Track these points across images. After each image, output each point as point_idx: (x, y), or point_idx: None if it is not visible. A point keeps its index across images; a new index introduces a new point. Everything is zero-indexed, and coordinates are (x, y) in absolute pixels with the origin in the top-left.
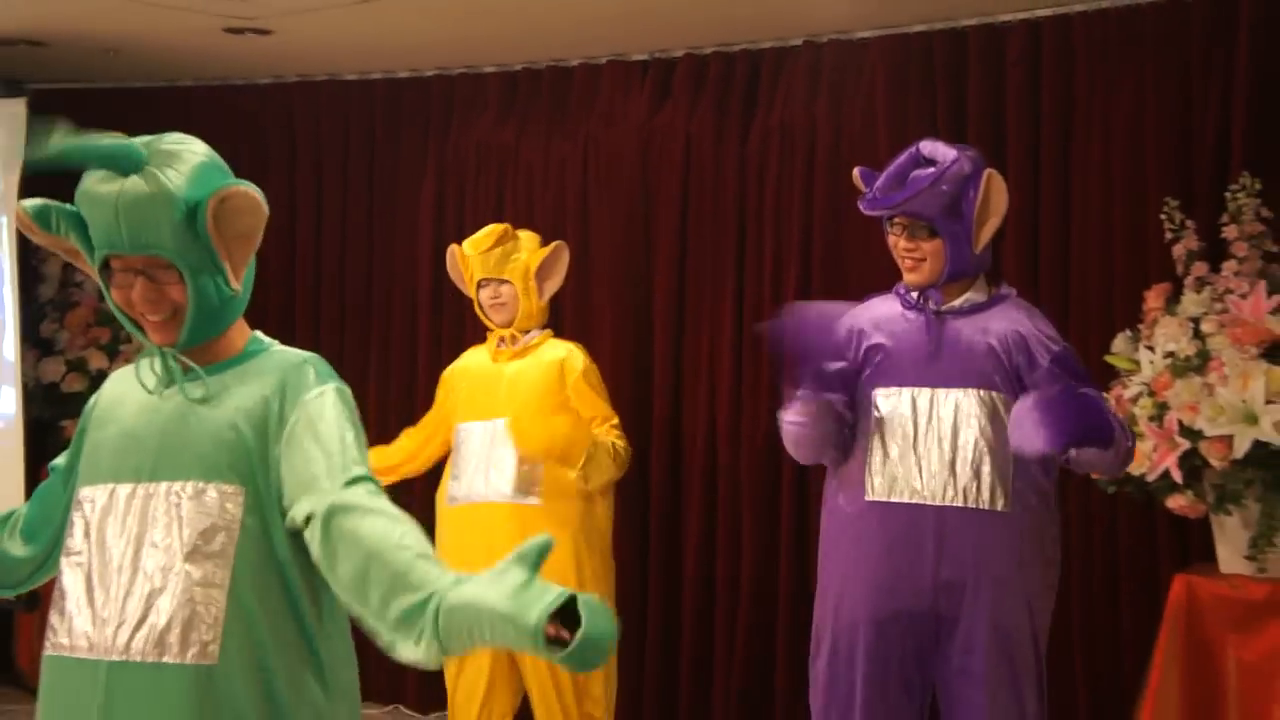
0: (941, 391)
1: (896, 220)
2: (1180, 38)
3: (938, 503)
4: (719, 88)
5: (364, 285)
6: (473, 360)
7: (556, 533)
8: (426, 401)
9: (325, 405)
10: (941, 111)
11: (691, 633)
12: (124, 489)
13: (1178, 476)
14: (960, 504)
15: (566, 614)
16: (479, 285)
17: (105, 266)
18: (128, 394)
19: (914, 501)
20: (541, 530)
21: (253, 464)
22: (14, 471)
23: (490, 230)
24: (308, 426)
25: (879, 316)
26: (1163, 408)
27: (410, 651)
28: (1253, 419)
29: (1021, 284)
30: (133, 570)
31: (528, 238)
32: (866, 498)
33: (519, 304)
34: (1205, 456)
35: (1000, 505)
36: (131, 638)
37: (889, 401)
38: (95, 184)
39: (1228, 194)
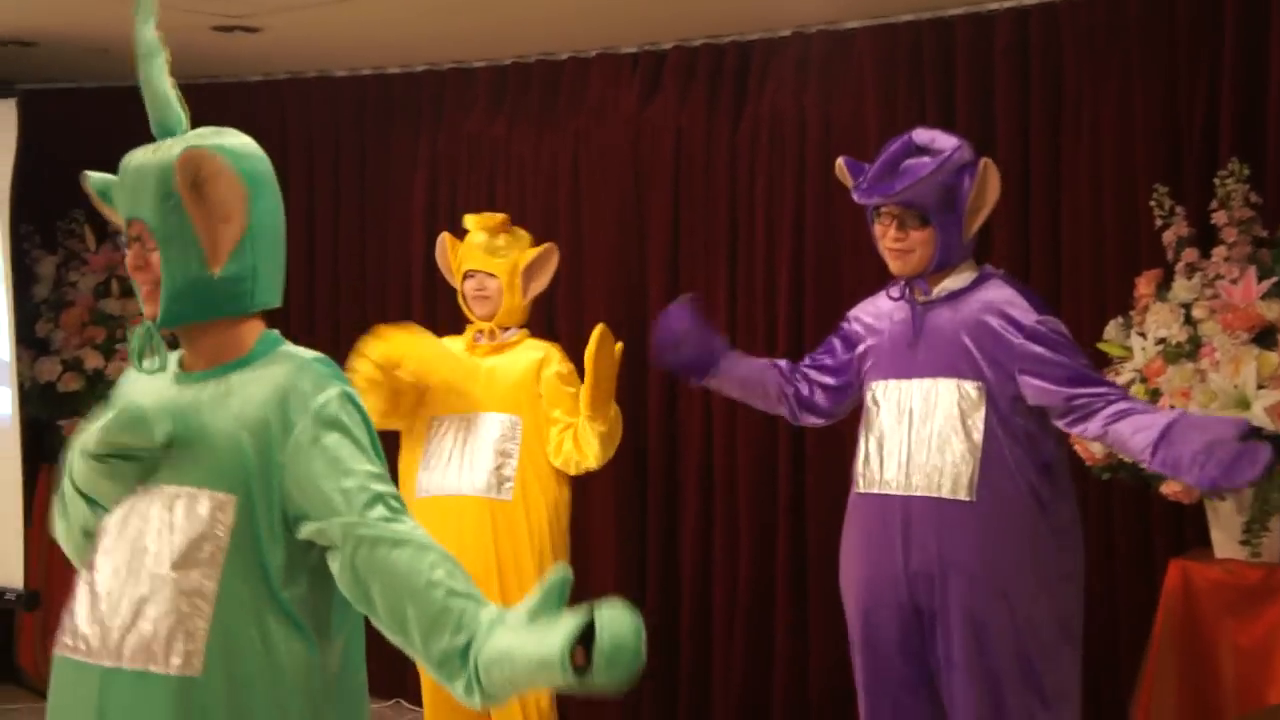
0: (916, 382)
1: (885, 210)
2: (1167, 24)
3: (904, 493)
4: (709, 79)
5: (358, 278)
6: (455, 348)
7: (526, 528)
8: None
9: (333, 413)
10: (930, 101)
11: (690, 623)
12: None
13: None
14: (924, 494)
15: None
16: (465, 276)
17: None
18: (140, 391)
19: (884, 493)
20: (512, 525)
21: (250, 473)
22: (12, 471)
23: (493, 215)
24: (315, 439)
25: (877, 311)
26: (1155, 394)
27: (459, 692)
28: (1245, 404)
29: (1013, 272)
30: (128, 574)
31: (522, 235)
32: (856, 490)
33: (502, 299)
34: None
35: (964, 495)
36: (122, 642)
37: (876, 395)
38: (130, 154)
39: (1216, 180)
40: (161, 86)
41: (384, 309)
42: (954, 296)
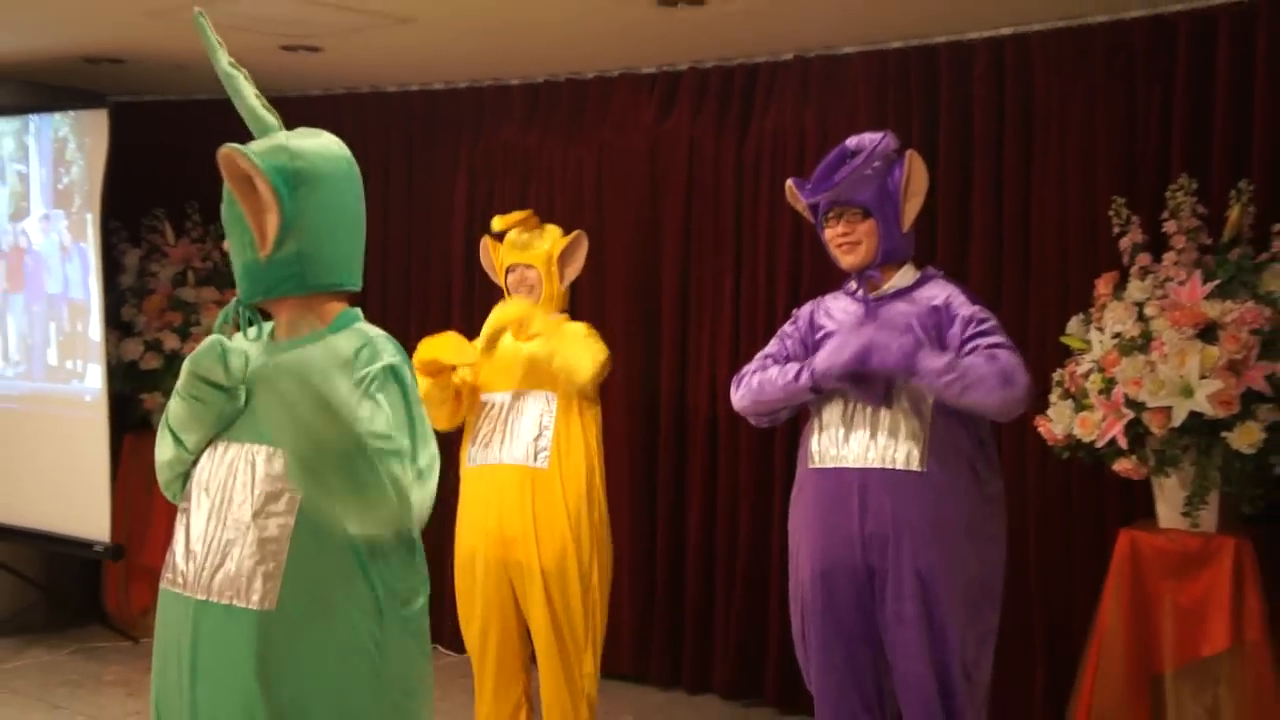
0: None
1: (831, 213)
2: (1126, 54)
3: (860, 465)
4: (719, 97)
5: (404, 273)
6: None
7: (561, 493)
8: None
9: (376, 383)
10: (915, 119)
11: (694, 580)
12: (221, 447)
13: (1123, 443)
14: (879, 465)
15: None
16: (508, 270)
17: None
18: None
19: (840, 466)
20: (549, 490)
21: (319, 424)
22: (100, 439)
23: (518, 213)
24: (373, 387)
25: (831, 306)
26: (1111, 382)
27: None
28: (1189, 392)
29: (986, 274)
30: (219, 520)
31: (551, 228)
32: (810, 465)
33: (542, 287)
34: (1148, 425)
35: (915, 465)
36: (213, 579)
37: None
38: None
39: (1168, 193)
40: (250, 103)
41: (427, 299)
42: (902, 293)
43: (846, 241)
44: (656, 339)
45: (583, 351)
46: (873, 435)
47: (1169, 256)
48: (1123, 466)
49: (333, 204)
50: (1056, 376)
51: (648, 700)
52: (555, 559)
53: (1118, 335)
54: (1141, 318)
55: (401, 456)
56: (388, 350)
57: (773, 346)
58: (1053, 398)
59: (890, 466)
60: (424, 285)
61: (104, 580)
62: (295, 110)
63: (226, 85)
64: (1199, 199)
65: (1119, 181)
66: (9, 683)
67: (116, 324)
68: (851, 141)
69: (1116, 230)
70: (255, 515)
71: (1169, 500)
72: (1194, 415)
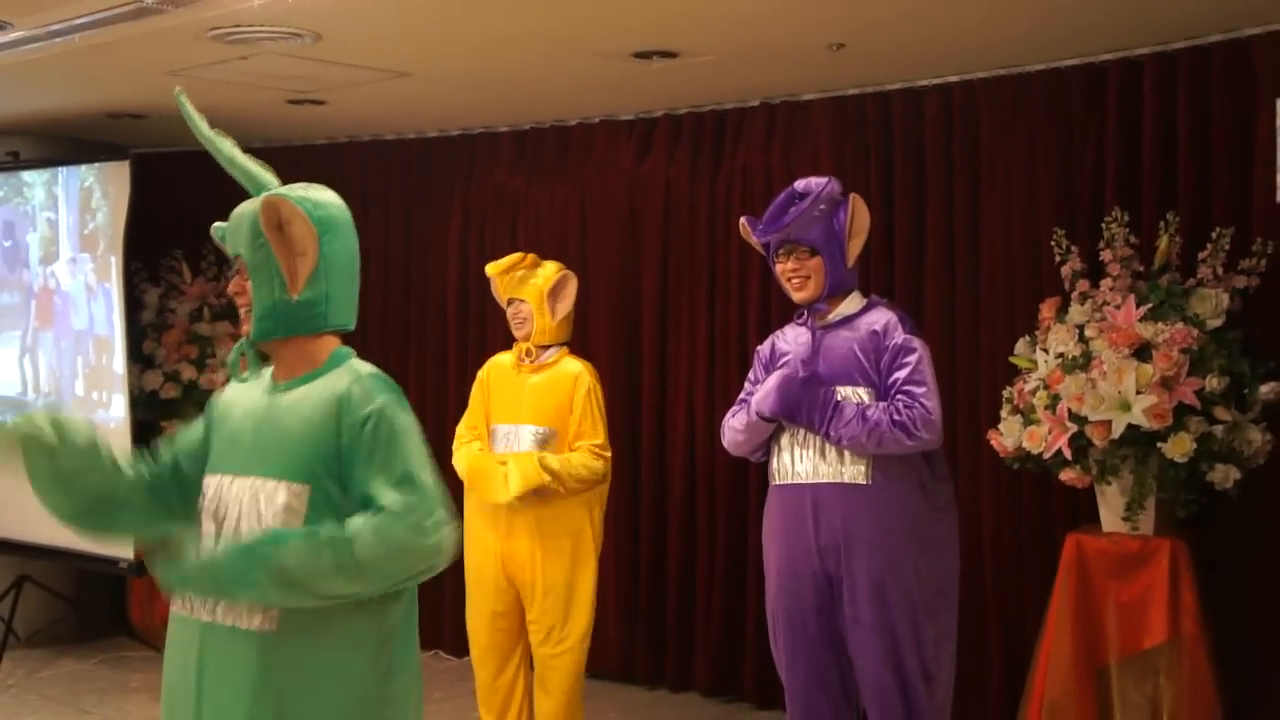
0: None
1: (781, 250)
2: (1062, 99)
3: (813, 481)
4: (692, 141)
5: (403, 305)
6: (503, 364)
7: (568, 510)
8: (456, 396)
9: (371, 425)
10: (873, 159)
11: (675, 586)
12: (226, 480)
13: (1068, 454)
14: (829, 480)
15: None
16: (508, 304)
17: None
18: (238, 399)
19: (795, 482)
20: (557, 508)
21: (317, 465)
22: None
23: (510, 258)
24: (354, 443)
25: (788, 333)
26: (1055, 398)
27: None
28: (1126, 407)
29: (940, 300)
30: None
31: (546, 266)
32: (773, 483)
33: (535, 320)
34: (1090, 437)
35: (862, 479)
36: (216, 603)
37: None
38: (239, 206)
39: (1103, 225)
40: (242, 163)
41: (424, 332)
42: (847, 320)
43: (797, 277)
44: (637, 362)
45: (588, 478)
46: (823, 453)
47: (1105, 283)
48: (1068, 476)
49: (348, 249)
50: (1006, 394)
51: (633, 699)
52: (558, 568)
53: (1061, 355)
54: (1082, 339)
55: (407, 521)
56: (378, 390)
57: (746, 390)
58: (1003, 413)
59: (839, 481)
60: (421, 318)
61: (129, 594)
62: (301, 158)
63: (212, 150)
64: (1131, 230)
65: (1059, 214)
66: (42, 690)
67: (138, 357)
68: (799, 184)
69: (1058, 259)
70: None
71: (1110, 506)
72: (1131, 428)
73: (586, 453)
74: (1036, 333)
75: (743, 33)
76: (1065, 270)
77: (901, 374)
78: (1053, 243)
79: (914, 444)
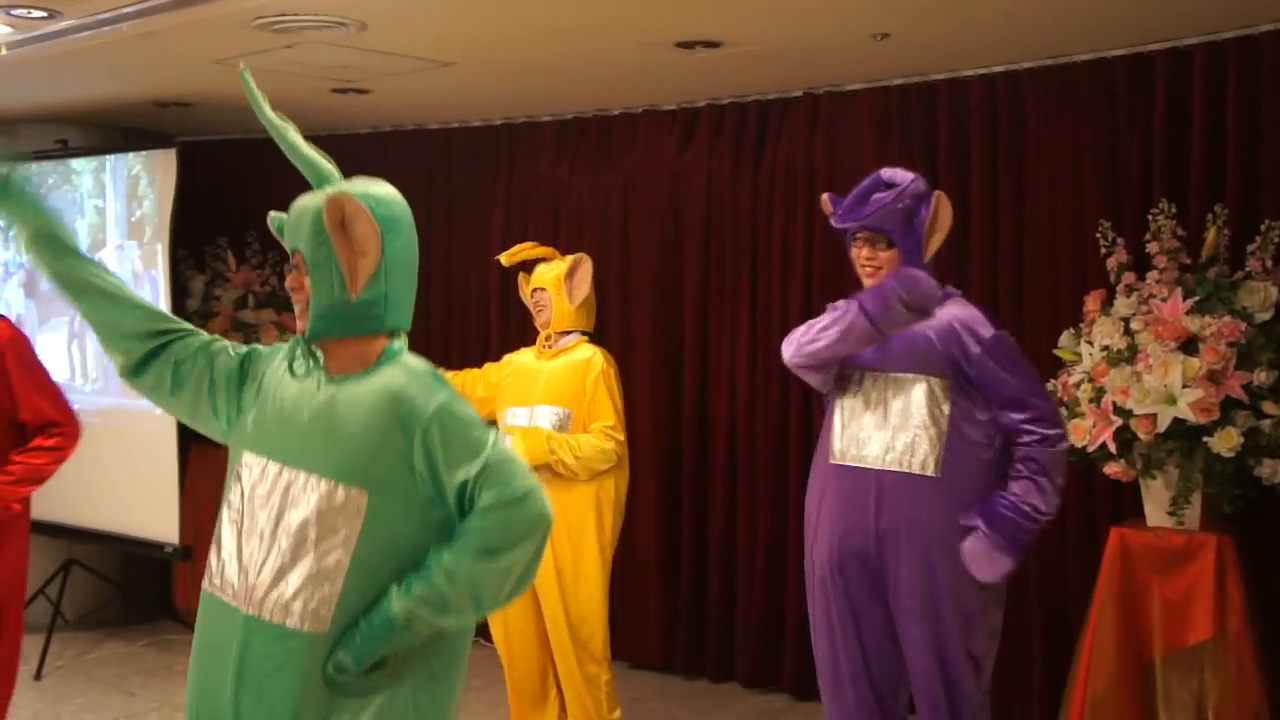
0: (889, 375)
1: (859, 235)
2: (1109, 89)
3: (878, 467)
4: (734, 132)
5: (444, 294)
6: (522, 357)
7: (580, 495)
8: None
9: (439, 422)
10: (916, 150)
11: (717, 576)
12: (274, 467)
13: (1113, 448)
14: (896, 469)
15: None
16: (532, 294)
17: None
18: (286, 379)
19: (861, 466)
20: (570, 493)
21: (380, 470)
22: (169, 450)
23: (520, 246)
24: (426, 442)
25: None
26: (1100, 391)
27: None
28: (1172, 400)
29: (984, 292)
30: (271, 540)
31: (557, 256)
32: (829, 461)
33: (553, 305)
34: (1135, 431)
35: (930, 471)
36: (264, 599)
37: (850, 382)
38: (298, 199)
39: (1150, 217)
40: (304, 151)
41: (467, 321)
42: None
43: (870, 265)
44: (679, 351)
45: (598, 464)
46: (892, 438)
47: (1152, 275)
48: (1112, 469)
49: (409, 249)
50: (1050, 386)
51: (672, 688)
52: (574, 555)
53: (1106, 348)
54: (1128, 332)
55: (503, 500)
56: (434, 389)
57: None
58: None
59: (906, 470)
60: (464, 309)
61: (174, 579)
62: (344, 147)
63: (274, 135)
64: (1178, 222)
65: (1105, 206)
66: (90, 671)
67: None
68: (885, 173)
69: (1103, 251)
70: (316, 545)
71: (1155, 500)
72: (1177, 421)
73: (597, 434)
74: (1081, 325)
75: (786, 23)
76: (1111, 262)
77: (1007, 390)
78: (1098, 234)
79: (1062, 454)
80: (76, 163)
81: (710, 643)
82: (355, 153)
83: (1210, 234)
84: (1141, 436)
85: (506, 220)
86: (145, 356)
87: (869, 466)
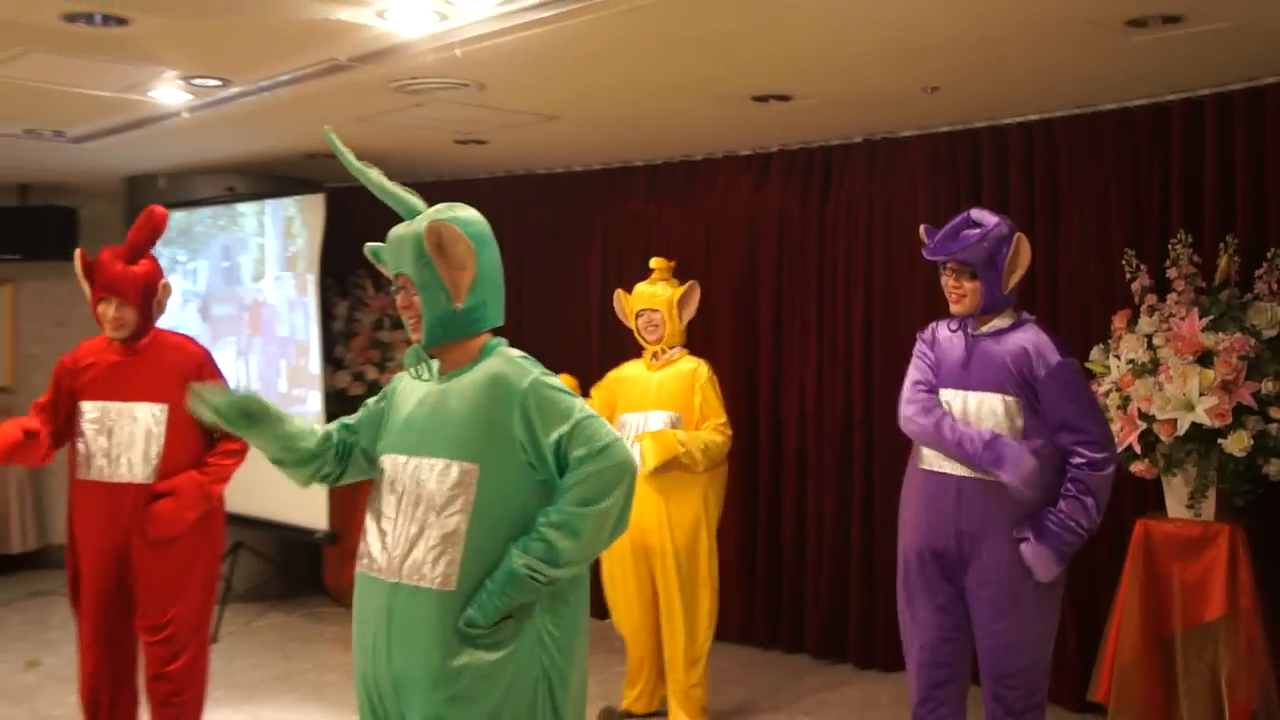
0: (970, 393)
1: (949, 266)
2: (1131, 134)
3: (959, 474)
4: (802, 174)
5: (551, 319)
6: (632, 369)
7: (688, 491)
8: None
9: (534, 394)
10: (962, 188)
11: (789, 558)
12: (402, 459)
13: (1138, 449)
14: (975, 476)
15: None
16: (638, 315)
17: (394, 283)
18: (410, 390)
19: (944, 471)
20: (685, 489)
21: (485, 445)
22: None
23: (660, 260)
24: (525, 413)
25: (939, 337)
26: (1127, 399)
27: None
28: (1190, 407)
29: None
30: (408, 518)
31: (671, 281)
32: (920, 466)
33: (665, 326)
34: (1157, 434)
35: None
36: (402, 566)
37: (938, 398)
38: (394, 229)
39: (1169, 246)
40: (391, 189)
41: (570, 342)
42: (999, 333)
43: (955, 293)
44: (755, 365)
45: (718, 455)
46: None
47: (1171, 297)
48: (1137, 468)
49: (494, 259)
50: None
51: (751, 659)
52: (685, 541)
53: (1132, 361)
54: (1150, 347)
55: (593, 451)
56: (527, 369)
57: (917, 373)
58: None
59: (984, 477)
60: (567, 331)
61: (323, 560)
62: (465, 191)
63: (362, 179)
64: (1194, 250)
65: (1129, 236)
66: (256, 637)
67: (330, 360)
68: (974, 213)
69: (1128, 276)
70: (438, 514)
71: (1175, 495)
72: (1195, 426)
73: (712, 429)
74: (1110, 341)
75: (848, 78)
76: (1135, 286)
77: (1063, 414)
78: (1124, 262)
79: (1108, 478)
80: (242, 206)
81: (783, 619)
82: (474, 196)
83: (1222, 261)
84: (1163, 439)
85: (604, 253)
86: (339, 473)
87: (952, 473)
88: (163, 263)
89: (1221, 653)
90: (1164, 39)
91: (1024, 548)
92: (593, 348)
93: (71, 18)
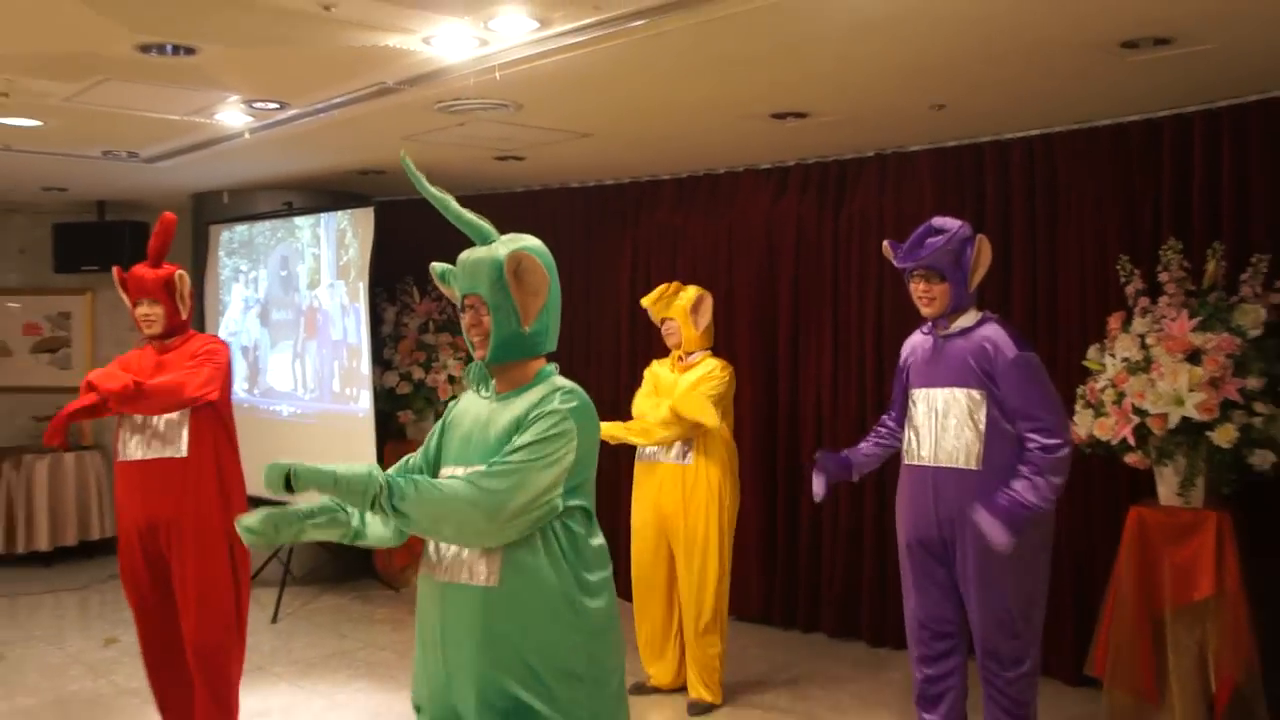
0: (938, 390)
1: (917, 273)
2: (1125, 148)
3: (933, 464)
4: (818, 186)
5: (584, 323)
6: (660, 369)
7: (705, 482)
8: (628, 392)
9: (545, 418)
10: (968, 199)
11: (806, 544)
12: (460, 470)
13: (1132, 441)
14: (946, 465)
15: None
16: (661, 323)
17: (462, 303)
18: (470, 407)
19: (921, 464)
20: (694, 480)
21: None
22: (369, 444)
23: (658, 290)
24: (532, 420)
25: (914, 343)
26: (1121, 395)
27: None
28: (1180, 402)
29: (1025, 314)
30: None
31: (687, 290)
32: (905, 461)
33: (682, 332)
34: (1150, 427)
35: (974, 465)
36: (451, 565)
37: (914, 398)
38: (466, 252)
39: (1160, 252)
40: (465, 216)
41: (601, 345)
42: (964, 332)
43: (926, 297)
44: (774, 364)
45: (700, 413)
46: (941, 441)
47: (1163, 299)
48: (1131, 459)
49: (558, 288)
50: (1079, 391)
51: (771, 637)
52: (698, 527)
53: (1126, 359)
54: (1143, 346)
55: (506, 473)
56: (556, 400)
57: (895, 391)
58: (1077, 408)
59: (954, 466)
60: (599, 333)
61: (374, 550)
62: (503, 204)
63: (438, 205)
64: (1184, 256)
65: (1123, 243)
66: (312, 618)
67: (379, 361)
68: (936, 221)
69: (1123, 280)
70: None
71: (1167, 484)
72: (1185, 419)
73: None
74: (1105, 341)
75: (861, 97)
76: (1129, 289)
77: (1018, 403)
78: (1118, 266)
79: (1060, 460)
80: (298, 220)
81: (801, 601)
82: (512, 208)
83: (1210, 266)
84: (1155, 432)
85: (634, 260)
86: None
87: (927, 465)
88: (226, 272)
89: (1209, 630)
90: (1155, 60)
91: (977, 516)
92: (622, 348)
93: (145, 48)
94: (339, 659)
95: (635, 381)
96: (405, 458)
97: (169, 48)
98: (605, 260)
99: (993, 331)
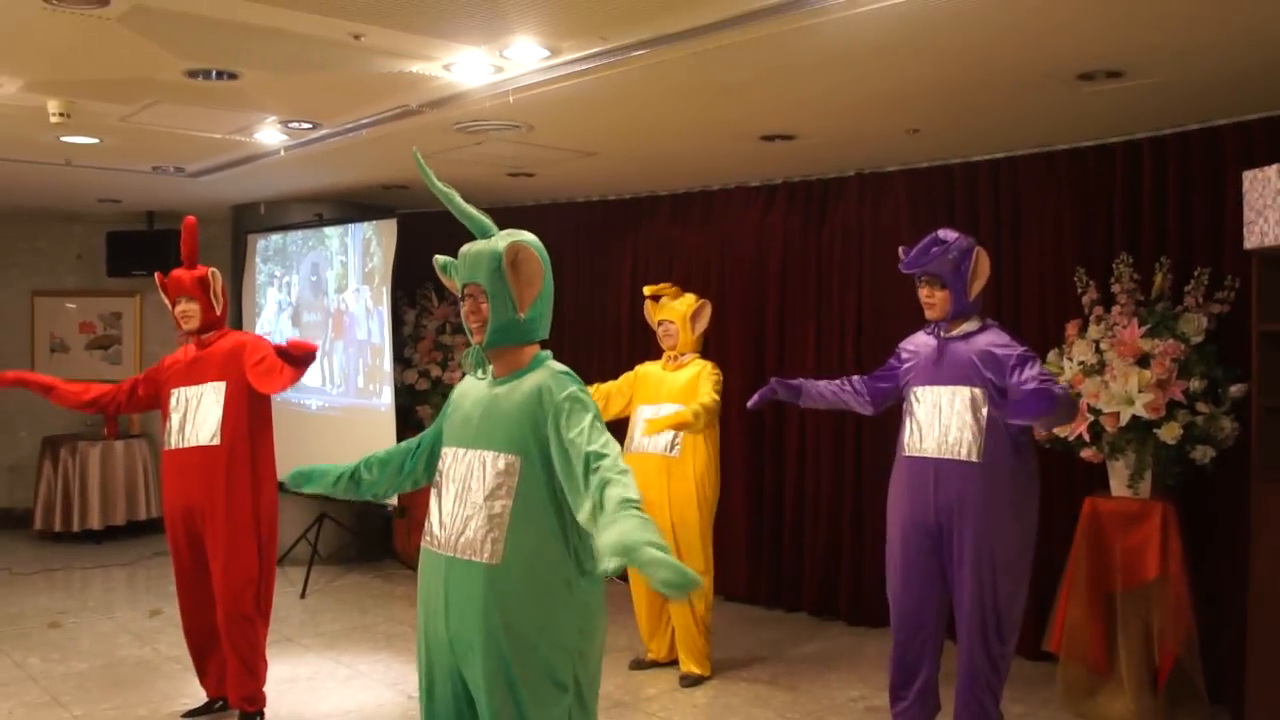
0: (942, 388)
1: (921, 278)
2: (1082, 170)
3: (934, 457)
4: (803, 202)
5: (588, 326)
6: (653, 368)
7: (692, 474)
8: None
9: (569, 403)
10: (939, 214)
11: (789, 527)
12: (460, 451)
13: (1087, 437)
14: (948, 457)
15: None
16: (659, 323)
17: (462, 292)
18: (469, 390)
19: (922, 456)
20: (681, 472)
21: (527, 440)
22: (390, 436)
23: (663, 284)
24: (557, 416)
25: (916, 342)
26: (1078, 395)
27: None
28: (1131, 402)
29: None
30: (461, 502)
31: (687, 296)
32: (903, 454)
33: (679, 335)
34: (1103, 425)
35: (974, 458)
36: (457, 542)
37: (914, 393)
38: (468, 245)
39: (1113, 265)
40: (468, 210)
41: (604, 341)
42: (967, 336)
43: (927, 301)
44: (762, 364)
45: (707, 413)
46: (944, 435)
47: (1115, 309)
48: (1086, 453)
49: (551, 281)
50: None
51: (755, 616)
52: (681, 515)
53: (1082, 363)
54: (1098, 351)
55: (611, 442)
56: (568, 384)
57: (887, 366)
58: None
59: (956, 458)
60: (602, 337)
61: (394, 529)
62: (514, 217)
63: (443, 199)
64: (1134, 269)
65: (1080, 257)
66: (337, 594)
67: (400, 360)
68: (941, 233)
69: (1079, 290)
70: (486, 499)
71: (1118, 476)
72: (1135, 418)
73: (702, 397)
74: (1064, 346)
75: (843, 122)
76: (1085, 299)
77: (1033, 371)
78: (1075, 278)
79: (1064, 392)
80: (327, 230)
81: (784, 582)
82: (522, 221)
83: (1158, 278)
84: (1108, 429)
85: (634, 269)
86: (422, 477)
87: (930, 457)
88: (262, 277)
89: (1154, 608)
90: (1108, 91)
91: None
92: (623, 350)
93: (193, 74)
94: (361, 632)
95: None
96: (419, 436)
97: (214, 73)
98: (608, 269)
99: (995, 337)
